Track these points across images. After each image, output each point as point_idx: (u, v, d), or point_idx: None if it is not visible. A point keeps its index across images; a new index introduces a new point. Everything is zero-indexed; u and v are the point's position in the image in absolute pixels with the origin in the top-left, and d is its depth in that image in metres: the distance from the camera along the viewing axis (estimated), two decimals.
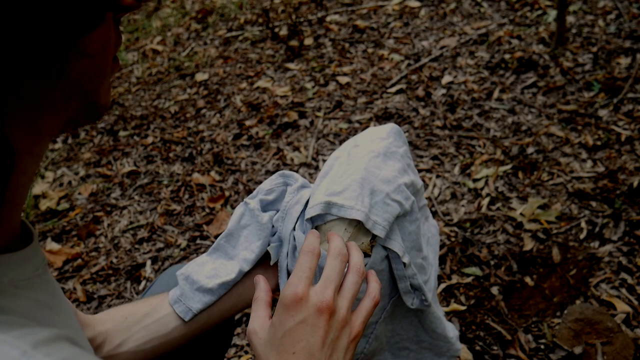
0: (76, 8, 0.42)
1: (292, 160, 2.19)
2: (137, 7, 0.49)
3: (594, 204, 1.75)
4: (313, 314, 0.59)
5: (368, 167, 0.80)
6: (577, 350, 1.33)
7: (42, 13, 0.40)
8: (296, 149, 2.26)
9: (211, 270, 0.82)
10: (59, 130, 0.49)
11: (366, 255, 0.78)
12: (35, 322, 0.44)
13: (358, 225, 0.76)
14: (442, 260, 1.65)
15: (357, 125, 2.33)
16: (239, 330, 1.56)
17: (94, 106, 0.50)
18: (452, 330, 0.93)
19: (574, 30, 2.66)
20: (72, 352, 0.41)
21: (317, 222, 0.78)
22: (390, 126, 0.89)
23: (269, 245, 0.83)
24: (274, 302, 0.69)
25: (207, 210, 2.03)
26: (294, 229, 0.80)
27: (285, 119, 2.45)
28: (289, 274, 0.83)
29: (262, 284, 0.69)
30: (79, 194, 2.23)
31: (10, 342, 0.38)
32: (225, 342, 0.98)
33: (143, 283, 1.78)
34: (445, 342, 0.91)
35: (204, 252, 1.92)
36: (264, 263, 0.85)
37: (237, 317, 1.59)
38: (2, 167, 0.41)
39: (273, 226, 0.83)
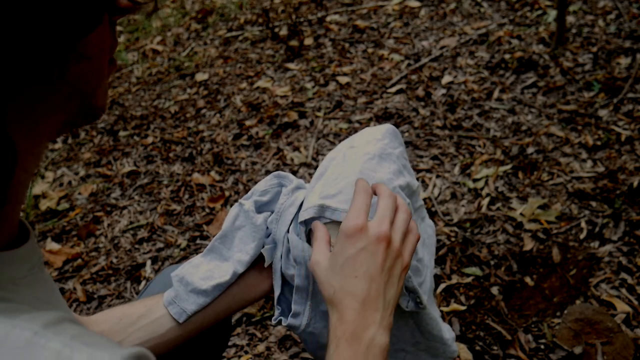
0: (76, 10, 0.42)
1: (292, 160, 2.19)
2: (134, 10, 0.49)
3: (594, 204, 1.75)
4: (373, 242, 0.65)
5: (363, 170, 0.80)
6: (577, 350, 1.33)
7: (43, 16, 0.40)
8: (296, 149, 2.26)
9: (206, 271, 0.82)
10: (57, 131, 0.49)
11: None
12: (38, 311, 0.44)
13: None
14: (442, 260, 1.65)
15: (357, 125, 2.33)
16: (239, 330, 1.56)
17: (92, 108, 0.50)
18: (448, 332, 0.92)
19: (574, 30, 2.66)
20: (78, 330, 0.42)
21: (310, 225, 0.77)
22: (387, 127, 0.89)
23: (263, 247, 0.83)
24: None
25: (207, 210, 2.03)
26: (288, 231, 0.80)
27: (285, 119, 2.45)
28: (283, 276, 0.83)
29: (320, 226, 0.74)
30: (79, 194, 2.23)
31: (20, 325, 0.39)
32: (222, 343, 0.98)
33: (143, 283, 1.78)
34: (442, 344, 0.90)
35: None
36: (258, 264, 0.85)
37: (236, 317, 1.59)
38: (5, 166, 0.42)
39: (267, 227, 0.83)
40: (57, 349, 0.38)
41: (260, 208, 0.84)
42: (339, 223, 0.75)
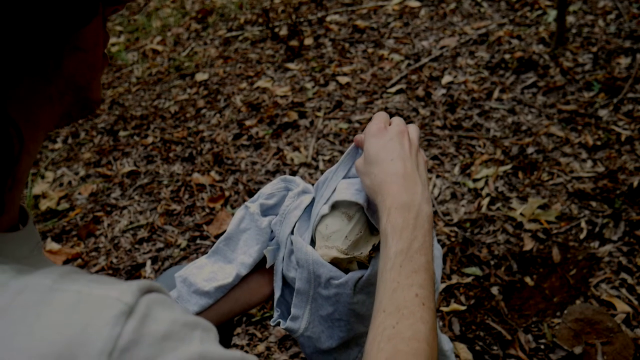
0: (73, 2, 0.43)
1: (292, 160, 2.19)
2: (126, 2, 0.51)
3: (594, 204, 1.75)
4: (396, 134, 0.74)
5: None
6: (577, 350, 1.33)
7: (40, 8, 0.41)
8: (296, 149, 2.26)
9: (209, 273, 0.82)
10: (54, 124, 0.50)
11: (364, 266, 0.78)
12: None
13: (359, 235, 0.76)
14: (442, 260, 1.65)
15: (357, 125, 2.33)
16: (239, 330, 1.57)
17: (87, 101, 0.52)
18: (447, 343, 0.93)
19: (574, 30, 2.66)
20: (92, 276, 0.45)
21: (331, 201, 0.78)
22: None
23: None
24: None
25: (207, 210, 2.03)
26: (292, 233, 0.80)
27: (285, 119, 2.45)
28: (284, 278, 0.83)
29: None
30: (79, 194, 2.23)
31: (39, 274, 0.41)
32: (224, 342, 0.98)
33: None
34: (441, 355, 0.91)
35: (204, 252, 1.92)
36: (261, 268, 0.85)
37: (236, 317, 1.59)
38: (12, 150, 0.43)
39: (272, 231, 0.83)
40: (77, 289, 0.40)
41: (265, 211, 0.84)
42: (346, 228, 0.76)
